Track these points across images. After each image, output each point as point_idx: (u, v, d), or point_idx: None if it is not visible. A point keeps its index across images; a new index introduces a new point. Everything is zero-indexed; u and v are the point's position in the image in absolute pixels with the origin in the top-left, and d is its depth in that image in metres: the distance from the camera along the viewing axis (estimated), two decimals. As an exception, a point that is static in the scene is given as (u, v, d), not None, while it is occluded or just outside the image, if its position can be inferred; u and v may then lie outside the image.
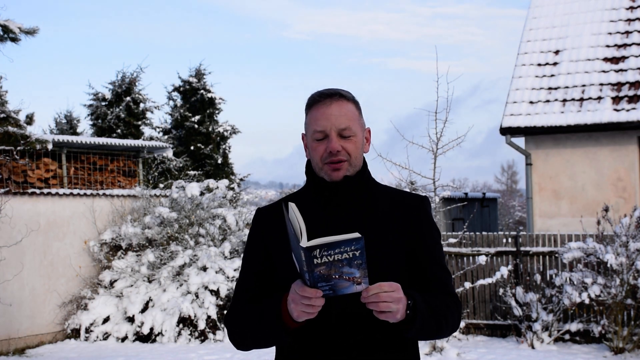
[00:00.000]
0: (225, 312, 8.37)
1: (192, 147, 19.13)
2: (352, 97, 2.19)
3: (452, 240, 9.80)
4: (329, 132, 2.11)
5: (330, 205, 2.15)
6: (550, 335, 9.40)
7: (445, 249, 10.36)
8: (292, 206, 1.91)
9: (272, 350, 2.30)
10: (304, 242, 1.81)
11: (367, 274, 1.85)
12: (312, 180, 2.20)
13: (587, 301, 8.88)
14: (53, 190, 10.68)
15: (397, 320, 1.94)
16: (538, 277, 9.72)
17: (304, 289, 1.86)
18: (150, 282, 10.90)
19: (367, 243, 2.04)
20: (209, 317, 10.36)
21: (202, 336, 10.36)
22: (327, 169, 2.13)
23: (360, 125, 2.19)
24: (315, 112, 2.14)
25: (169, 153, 12.95)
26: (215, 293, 10.52)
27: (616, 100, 11.92)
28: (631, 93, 11.89)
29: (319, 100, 2.14)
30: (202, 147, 19.23)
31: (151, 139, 17.92)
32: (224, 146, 19.89)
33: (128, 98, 17.64)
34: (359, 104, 2.22)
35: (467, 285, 9.37)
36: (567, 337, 9.56)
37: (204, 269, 10.65)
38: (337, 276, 1.83)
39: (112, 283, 11.02)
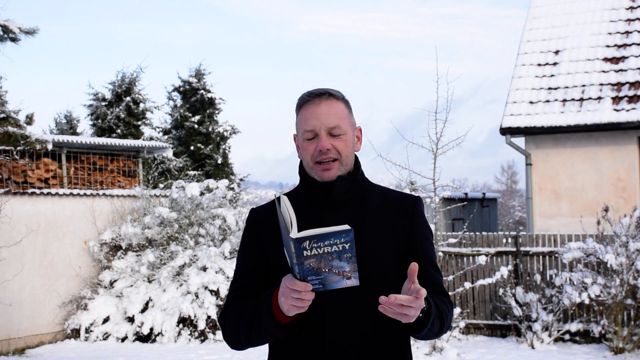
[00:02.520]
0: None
1: (192, 147, 19.14)
2: (342, 96, 2.20)
3: (452, 240, 9.79)
4: (319, 131, 2.12)
5: (323, 205, 2.16)
6: (550, 335, 9.40)
7: (445, 249, 10.36)
8: (284, 199, 1.91)
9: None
10: (294, 233, 1.81)
11: (357, 269, 1.85)
12: (305, 181, 2.20)
13: (587, 301, 8.88)
14: (53, 191, 10.68)
15: (408, 322, 1.94)
16: (538, 277, 9.72)
17: (293, 282, 1.86)
18: (150, 282, 10.90)
19: (360, 243, 2.05)
20: (209, 317, 10.36)
21: (202, 336, 10.36)
22: (317, 169, 2.14)
23: (351, 124, 2.20)
24: (305, 112, 2.15)
25: (169, 153, 12.95)
26: (215, 293, 10.52)
27: (616, 100, 11.91)
28: (631, 93, 11.89)
29: (308, 100, 2.16)
30: (202, 147, 19.24)
31: (151, 139, 17.93)
32: (224, 146, 19.89)
33: (128, 98, 17.64)
34: (349, 103, 2.23)
35: (467, 285, 9.37)
36: (567, 337, 9.56)
37: (204, 269, 10.65)
38: (326, 270, 1.83)
39: (112, 283, 11.03)
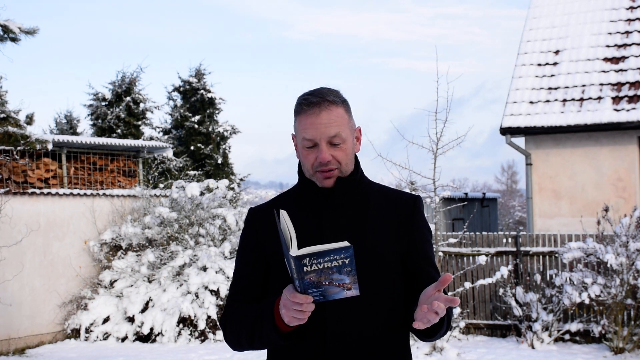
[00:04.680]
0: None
1: (192, 147, 19.14)
2: (340, 99, 2.17)
3: (452, 240, 9.79)
4: (319, 142, 2.11)
5: (323, 207, 2.16)
6: (550, 335, 9.40)
7: (445, 249, 10.36)
8: (283, 214, 1.92)
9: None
10: (294, 251, 1.83)
11: (357, 280, 1.87)
12: (304, 181, 2.20)
13: (587, 301, 8.88)
14: (53, 190, 10.68)
15: (427, 326, 1.94)
16: (538, 277, 9.73)
17: (294, 295, 1.87)
18: (150, 282, 10.90)
19: (361, 244, 2.06)
20: (209, 317, 10.36)
21: (202, 336, 10.36)
22: (318, 177, 2.14)
23: (350, 129, 2.18)
24: (304, 121, 2.13)
25: (169, 153, 12.95)
26: (215, 293, 10.53)
27: (616, 100, 11.91)
28: (631, 93, 11.89)
29: (307, 109, 2.12)
30: (202, 147, 19.24)
31: (151, 139, 17.93)
32: (224, 146, 19.89)
33: (128, 98, 17.64)
34: (348, 104, 2.20)
35: (467, 285, 9.36)
36: (567, 337, 9.56)
37: (204, 269, 10.66)
38: (327, 282, 1.85)
39: (112, 283, 11.03)
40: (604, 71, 12.48)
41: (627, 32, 12.94)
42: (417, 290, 2.15)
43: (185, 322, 10.40)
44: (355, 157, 2.23)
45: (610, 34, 13.07)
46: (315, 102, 2.12)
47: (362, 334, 2.07)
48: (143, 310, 10.59)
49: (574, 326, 9.36)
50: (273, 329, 1.99)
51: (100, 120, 17.68)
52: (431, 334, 2.08)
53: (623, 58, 12.53)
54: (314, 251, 1.81)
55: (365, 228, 2.13)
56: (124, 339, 10.53)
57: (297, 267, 1.83)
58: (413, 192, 8.79)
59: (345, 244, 1.81)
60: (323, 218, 2.14)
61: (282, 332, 2.00)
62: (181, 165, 17.63)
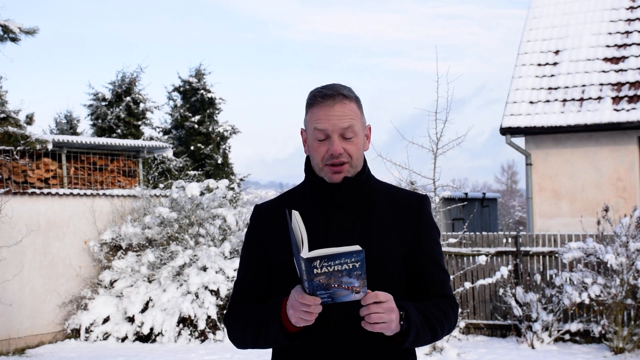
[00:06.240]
0: (225, 311, 8.36)
1: (192, 147, 19.14)
2: (354, 95, 2.17)
3: (452, 240, 9.80)
4: (331, 134, 2.09)
5: (329, 206, 2.15)
6: (550, 335, 9.40)
7: (445, 249, 10.35)
8: (295, 214, 1.91)
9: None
10: (305, 253, 1.83)
11: (367, 284, 1.88)
12: (311, 179, 2.19)
13: (587, 301, 8.88)
14: (53, 190, 10.68)
15: (393, 331, 1.95)
16: (538, 277, 9.73)
17: (302, 296, 1.87)
18: (150, 282, 10.90)
19: (366, 245, 2.05)
20: (209, 317, 10.36)
21: (202, 336, 10.36)
22: (327, 171, 2.12)
23: (362, 124, 2.18)
24: (317, 112, 2.11)
25: (169, 153, 12.95)
26: (215, 293, 10.53)
27: (616, 100, 11.91)
28: (631, 93, 11.89)
29: (321, 101, 2.11)
30: (202, 147, 19.24)
31: (151, 139, 17.93)
32: (224, 146, 19.90)
33: (128, 98, 17.65)
34: (360, 101, 2.20)
35: (467, 285, 9.37)
36: (567, 337, 9.56)
37: (204, 269, 10.66)
38: (336, 285, 1.86)
39: (112, 283, 11.03)
40: (604, 71, 12.48)
41: (627, 32, 12.94)
42: (419, 291, 2.15)
43: (185, 322, 10.40)
44: (363, 156, 2.21)
45: (610, 34, 13.07)
46: (330, 94, 2.11)
47: (366, 334, 2.06)
48: (143, 310, 10.59)
49: (574, 326, 9.36)
50: (280, 329, 1.99)
51: (100, 120, 17.69)
52: (399, 343, 2.03)
53: (623, 58, 12.53)
54: (325, 254, 1.81)
55: (370, 228, 2.13)
56: (124, 339, 10.53)
57: (307, 269, 1.82)
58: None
59: (357, 248, 1.81)
60: (329, 217, 2.13)
61: (288, 332, 2.00)
62: (181, 165, 17.63)
